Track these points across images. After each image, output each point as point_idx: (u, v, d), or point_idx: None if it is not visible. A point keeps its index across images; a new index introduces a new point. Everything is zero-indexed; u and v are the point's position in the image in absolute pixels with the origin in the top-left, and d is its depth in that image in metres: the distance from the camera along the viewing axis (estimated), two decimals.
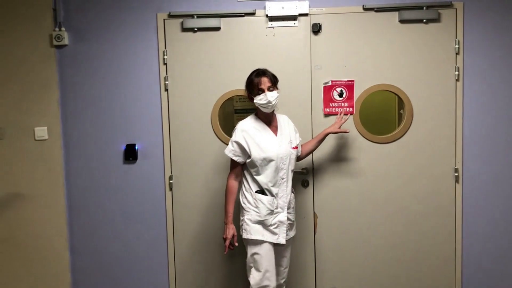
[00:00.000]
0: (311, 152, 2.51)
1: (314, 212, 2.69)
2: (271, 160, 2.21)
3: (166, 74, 2.65)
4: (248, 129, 2.26)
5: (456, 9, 2.57)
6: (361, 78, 2.62)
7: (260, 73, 2.25)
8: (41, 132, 2.66)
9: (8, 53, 2.63)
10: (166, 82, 2.65)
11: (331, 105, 2.64)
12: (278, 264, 2.33)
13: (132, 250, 2.74)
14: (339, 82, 2.63)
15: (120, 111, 2.68)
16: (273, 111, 2.30)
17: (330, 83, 2.63)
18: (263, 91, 2.21)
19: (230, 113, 2.90)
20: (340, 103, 2.64)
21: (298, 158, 2.46)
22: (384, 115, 2.94)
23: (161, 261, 2.74)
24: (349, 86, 2.63)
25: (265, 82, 2.21)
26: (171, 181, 2.68)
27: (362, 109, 2.65)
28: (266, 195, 2.23)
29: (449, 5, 2.56)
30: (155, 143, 2.68)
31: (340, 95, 2.63)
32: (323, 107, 2.64)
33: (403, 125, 2.64)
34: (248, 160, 2.24)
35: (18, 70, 2.64)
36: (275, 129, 2.31)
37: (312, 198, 2.69)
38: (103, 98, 2.67)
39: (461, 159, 2.63)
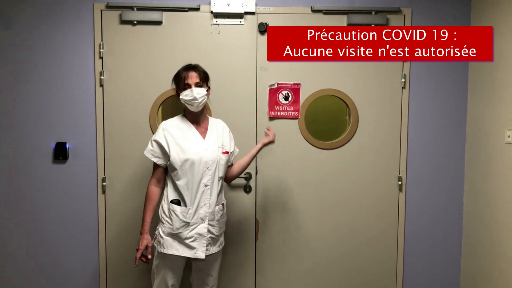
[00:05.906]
0: (245, 167, 2.24)
1: (256, 218, 2.59)
2: (193, 163, 2.01)
3: (102, 69, 2.47)
4: (170, 128, 2.06)
5: (404, 15, 2.53)
6: (308, 82, 2.54)
7: (189, 67, 2.07)
8: None
9: None
10: (102, 77, 2.47)
11: (276, 108, 2.54)
12: (203, 283, 2.19)
13: (60, 259, 2.54)
14: (285, 85, 2.54)
15: (50, 106, 2.47)
16: (203, 112, 2.13)
17: (276, 86, 2.53)
18: (189, 86, 2.03)
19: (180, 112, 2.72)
20: (285, 107, 2.55)
21: (230, 177, 2.22)
22: (335, 120, 2.87)
23: (92, 269, 2.56)
24: (295, 89, 2.54)
25: (192, 76, 2.03)
26: (104, 183, 2.51)
27: (308, 114, 2.57)
28: (182, 205, 2.02)
29: (397, 11, 2.52)
30: (88, 142, 2.50)
31: (286, 98, 2.54)
32: (268, 110, 2.54)
33: (348, 132, 2.58)
34: (168, 162, 2.05)
35: None
36: (204, 131, 2.11)
37: (254, 204, 2.58)
38: (31, 92, 2.46)
39: (405, 168, 2.60)
